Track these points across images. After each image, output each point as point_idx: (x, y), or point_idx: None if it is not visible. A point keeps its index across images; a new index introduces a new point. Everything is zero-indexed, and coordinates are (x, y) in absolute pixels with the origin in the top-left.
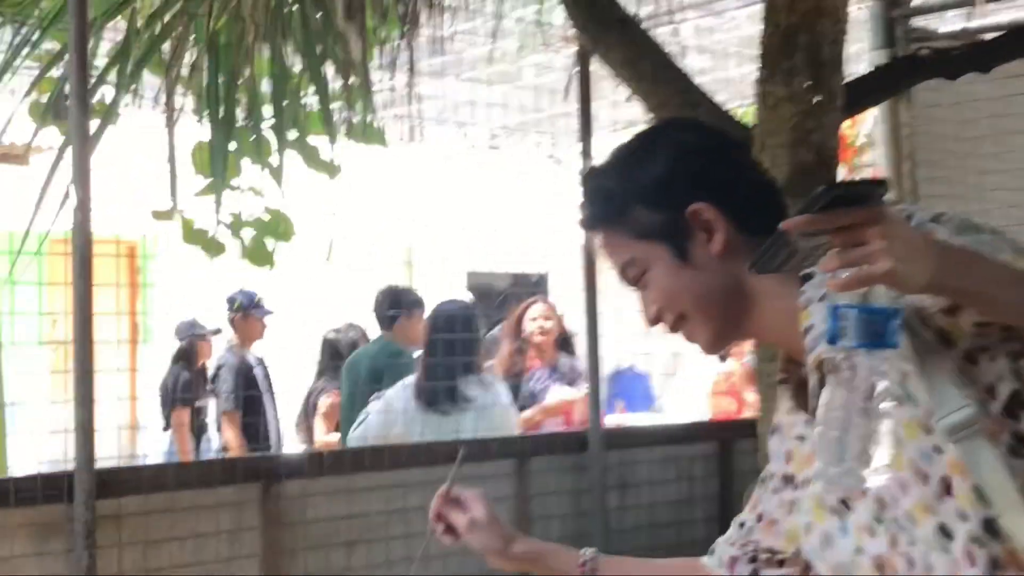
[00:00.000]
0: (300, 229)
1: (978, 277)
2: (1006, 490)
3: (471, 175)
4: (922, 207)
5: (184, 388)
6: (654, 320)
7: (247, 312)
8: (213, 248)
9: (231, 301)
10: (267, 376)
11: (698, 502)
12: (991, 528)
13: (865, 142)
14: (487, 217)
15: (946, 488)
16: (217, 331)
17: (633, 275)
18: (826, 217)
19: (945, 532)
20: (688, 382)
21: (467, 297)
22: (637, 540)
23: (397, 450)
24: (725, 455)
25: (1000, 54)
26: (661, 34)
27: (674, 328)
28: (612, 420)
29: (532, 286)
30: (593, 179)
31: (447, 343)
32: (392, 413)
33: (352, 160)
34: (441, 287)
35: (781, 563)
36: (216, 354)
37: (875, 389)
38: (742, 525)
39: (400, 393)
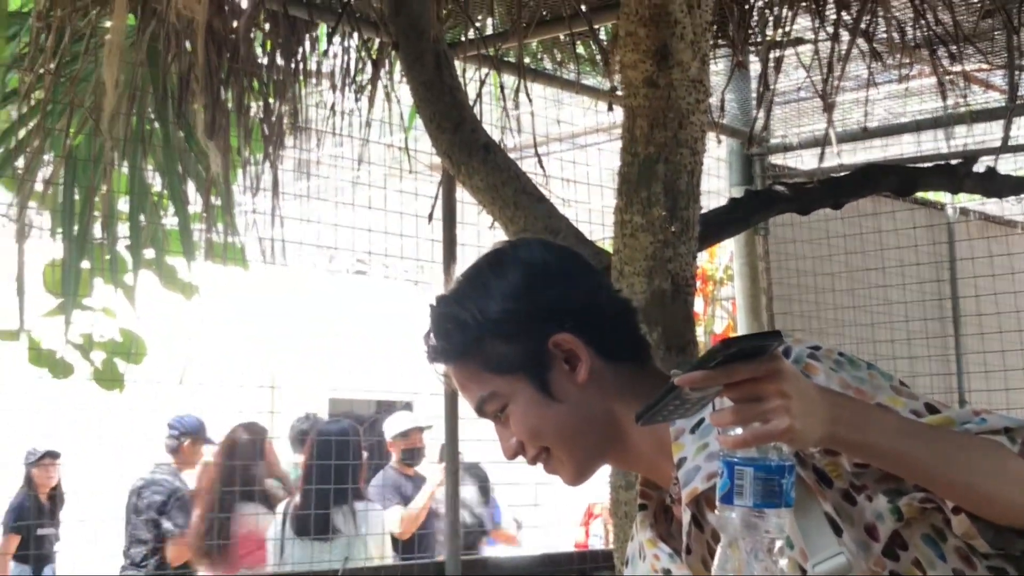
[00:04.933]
0: (155, 350)
1: (868, 431)
2: None
3: (337, 299)
4: (797, 339)
5: (18, 516)
6: (514, 453)
7: (196, 439)
8: (61, 370)
9: (179, 426)
10: None
11: None
12: None
13: (724, 276)
14: (352, 342)
15: None
16: (55, 455)
17: (492, 410)
18: (723, 373)
19: None
20: (554, 511)
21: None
22: None
23: None
24: None
25: (850, 191)
26: (526, 165)
27: (535, 461)
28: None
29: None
30: (442, 308)
31: (325, 469)
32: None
33: (214, 281)
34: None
35: None
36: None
37: (774, 547)
38: None
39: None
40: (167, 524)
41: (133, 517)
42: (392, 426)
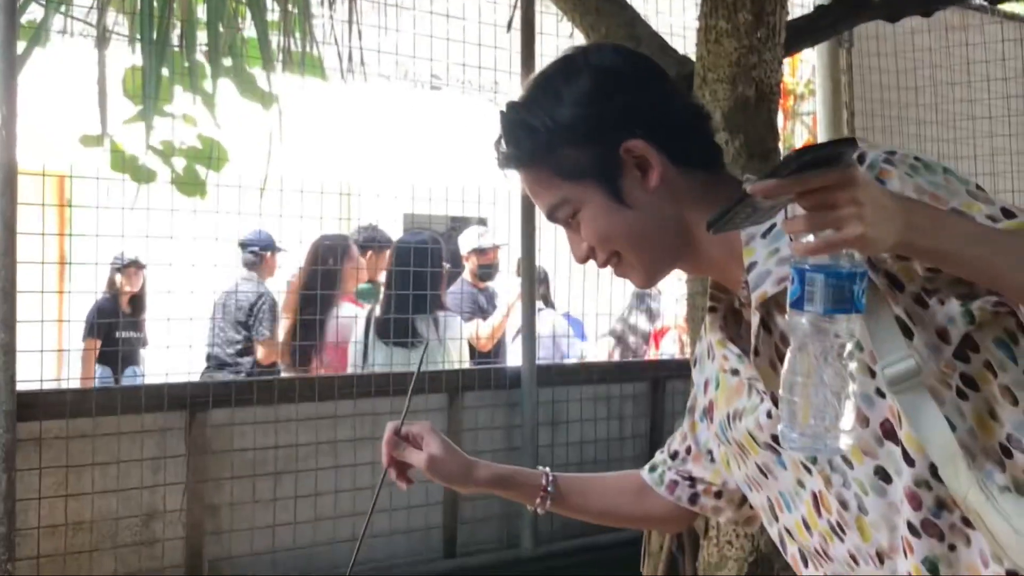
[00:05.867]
0: (235, 157)
1: (941, 236)
2: (946, 443)
3: (411, 113)
4: (873, 144)
5: (98, 319)
6: (585, 258)
7: (274, 251)
8: (142, 175)
9: (256, 241)
10: None
11: (628, 440)
12: (937, 472)
13: (805, 90)
14: (426, 158)
15: (887, 432)
16: (140, 264)
17: (564, 216)
18: (796, 181)
19: (883, 475)
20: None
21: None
22: None
23: (327, 381)
24: (657, 394)
25: None
26: None
27: (605, 264)
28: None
29: None
30: (513, 114)
31: (409, 276)
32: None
33: (290, 92)
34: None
35: (719, 495)
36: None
37: (844, 351)
38: (675, 455)
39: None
40: (258, 327)
41: (220, 320)
42: (468, 240)
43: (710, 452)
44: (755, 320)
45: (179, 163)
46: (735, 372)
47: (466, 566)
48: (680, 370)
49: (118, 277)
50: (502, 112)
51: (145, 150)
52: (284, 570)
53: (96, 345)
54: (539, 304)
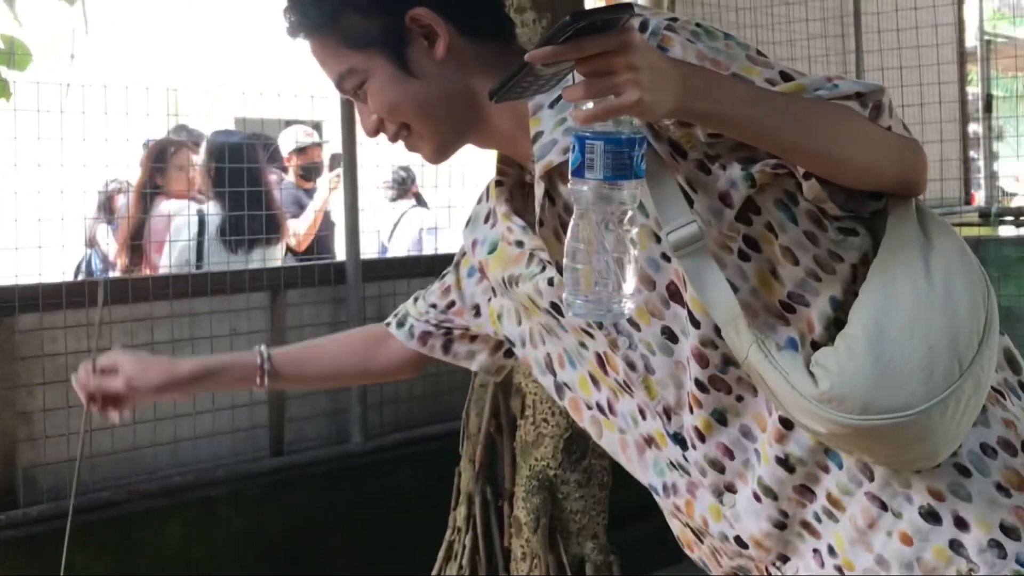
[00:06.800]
0: (40, 56)
1: (718, 100)
2: (727, 305)
3: (239, 13)
4: (656, 12)
5: None
6: (374, 131)
7: None
8: None
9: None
10: None
11: None
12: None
13: None
14: (259, 58)
15: (672, 294)
16: None
17: (351, 86)
18: (572, 47)
19: (670, 335)
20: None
21: None
22: None
23: (142, 283)
24: None
25: None
26: None
27: (395, 138)
28: None
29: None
30: None
31: (223, 175)
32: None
33: None
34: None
35: (473, 339)
36: None
37: (624, 217)
38: (434, 306)
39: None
40: None
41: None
42: (288, 140)
43: (476, 307)
44: (539, 190)
45: None
46: (519, 244)
47: (293, 463)
48: None
49: None
50: None
51: None
52: (103, 475)
53: None
54: (412, 202)
